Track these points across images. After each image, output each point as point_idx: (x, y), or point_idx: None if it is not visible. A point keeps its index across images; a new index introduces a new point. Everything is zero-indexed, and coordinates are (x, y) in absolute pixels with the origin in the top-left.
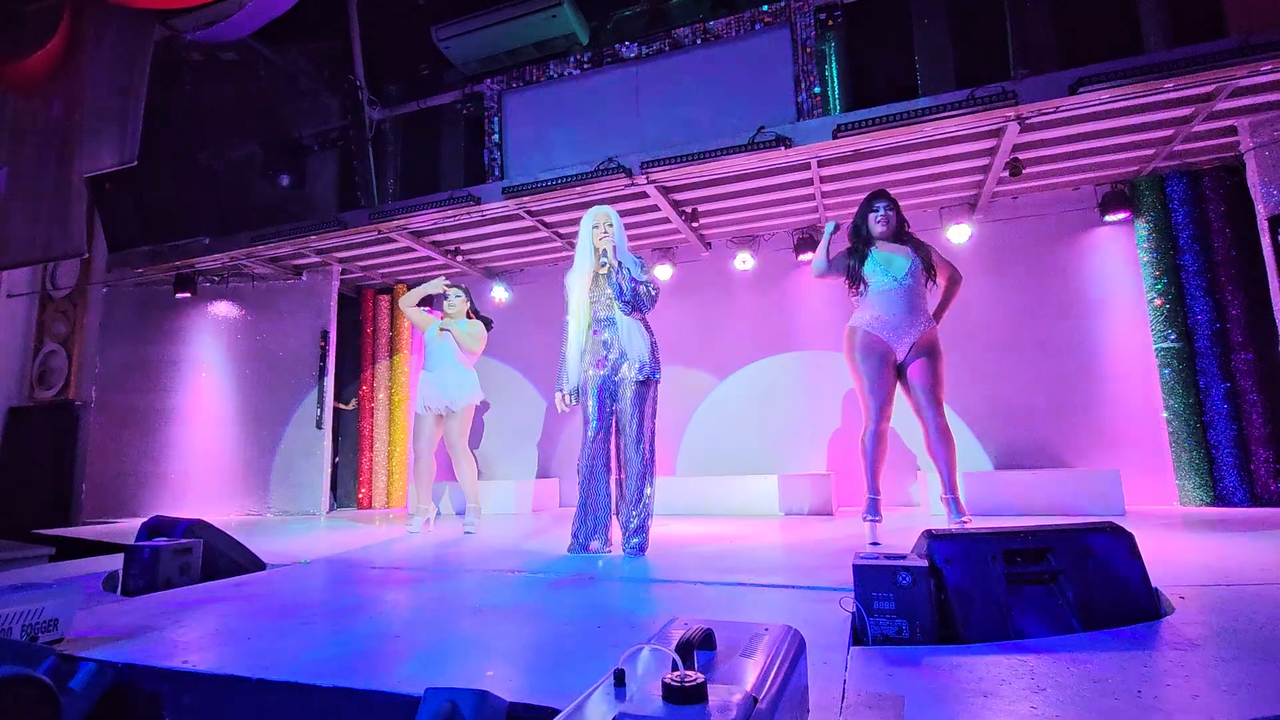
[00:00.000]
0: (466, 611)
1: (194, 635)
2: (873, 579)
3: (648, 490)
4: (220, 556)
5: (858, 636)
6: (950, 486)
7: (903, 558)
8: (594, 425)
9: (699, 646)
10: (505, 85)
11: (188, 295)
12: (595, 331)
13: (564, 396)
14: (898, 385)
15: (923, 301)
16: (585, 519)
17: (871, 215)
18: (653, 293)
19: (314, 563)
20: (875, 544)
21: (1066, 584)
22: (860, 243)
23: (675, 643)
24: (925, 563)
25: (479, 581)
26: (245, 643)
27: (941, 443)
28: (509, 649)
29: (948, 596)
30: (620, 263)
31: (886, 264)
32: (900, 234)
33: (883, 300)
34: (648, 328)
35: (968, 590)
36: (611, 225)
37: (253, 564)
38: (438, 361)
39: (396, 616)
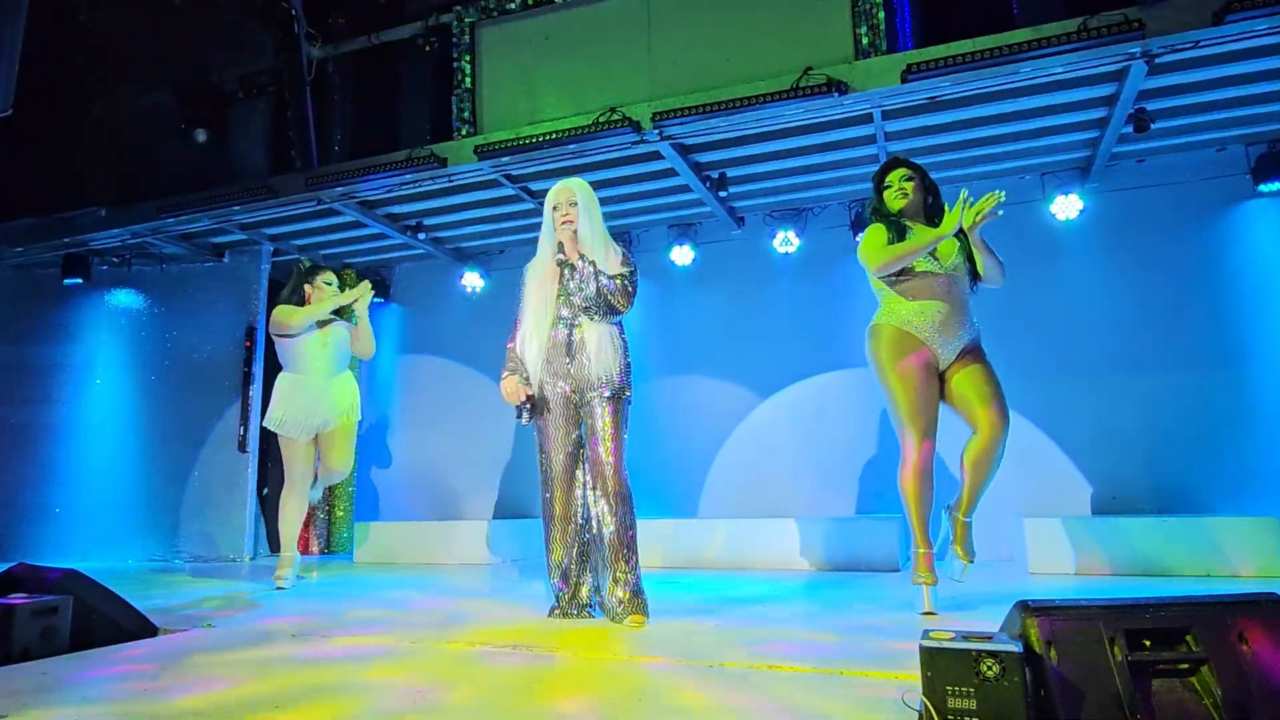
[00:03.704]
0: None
1: None
2: (946, 667)
3: (633, 538)
4: (97, 618)
5: None
6: (969, 508)
7: (988, 638)
8: (557, 455)
9: None
10: (480, 14)
11: (79, 281)
12: (555, 334)
13: (525, 410)
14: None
15: (968, 295)
16: (562, 573)
17: (885, 190)
18: (629, 289)
19: (219, 627)
20: (928, 613)
21: (1213, 678)
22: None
23: None
24: (1019, 645)
25: (432, 660)
26: None
27: (989, 459)
28: None
29: (1050, 692)
30: (583, 256)
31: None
32: (930, 211)
33: (927, 290)
34: (621, 335)
35: (1077, 684)
36: (575, 204)
37: (141, 628)
38: (322, 366)
39: None
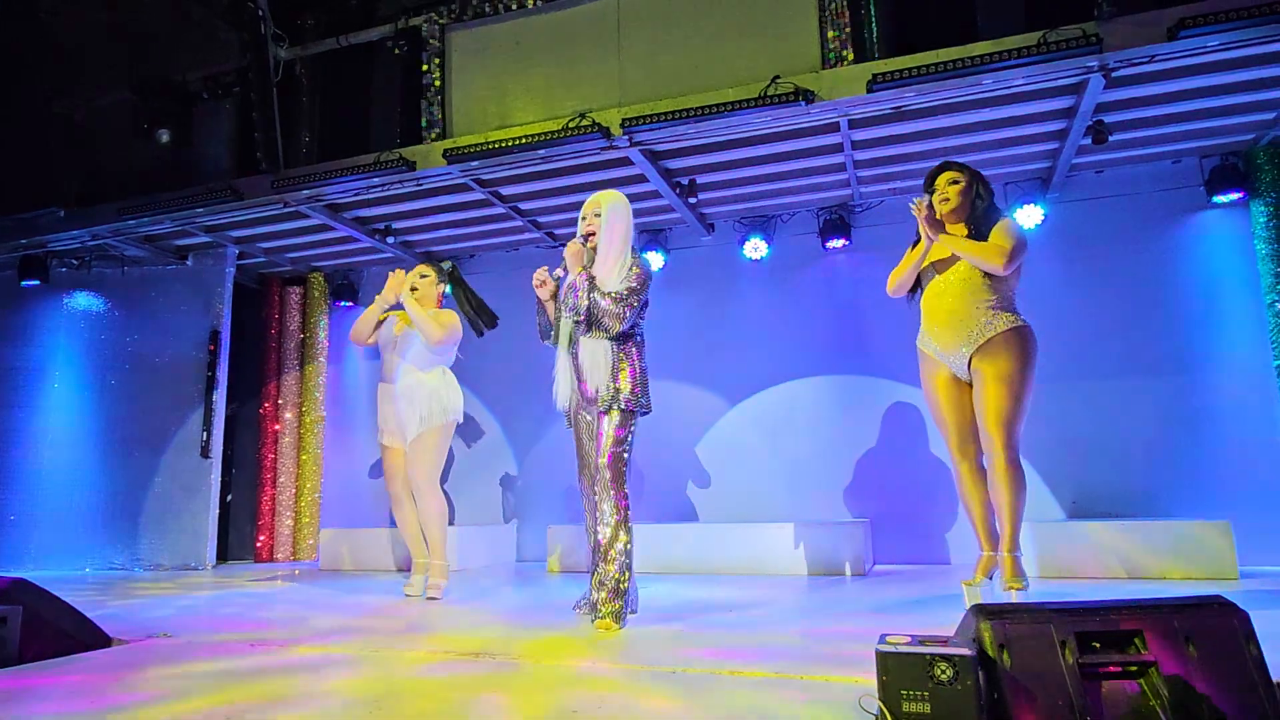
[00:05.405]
0: None
1: None
2: (901, 671)
3: (620, 544)
4: (47, 629)
5: None
6: (1008, 541)
7: (944, 642)
8: (581, 467)
9: None
10: (452, 17)
11: (37, 283)
12: (572, 350)
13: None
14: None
15: (982, 294)
16: (590, 573)
17: (933, 195)
18: (619, 310)
19: (176, 637)
20: None
21: (1162, 679)
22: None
23: None
24: (973, 649)
25: (391, 670)
26: None
27: (996, 483)
28: None
29: (1003, 695)
30: (584, 270)
31: (939, 255)
32: (982, 213)
33: (929, 305)
34: (622, 348)
35: (1029, 686)
36: (599, 215)
37: (94, 639)
38: (391, 368)
39: None
